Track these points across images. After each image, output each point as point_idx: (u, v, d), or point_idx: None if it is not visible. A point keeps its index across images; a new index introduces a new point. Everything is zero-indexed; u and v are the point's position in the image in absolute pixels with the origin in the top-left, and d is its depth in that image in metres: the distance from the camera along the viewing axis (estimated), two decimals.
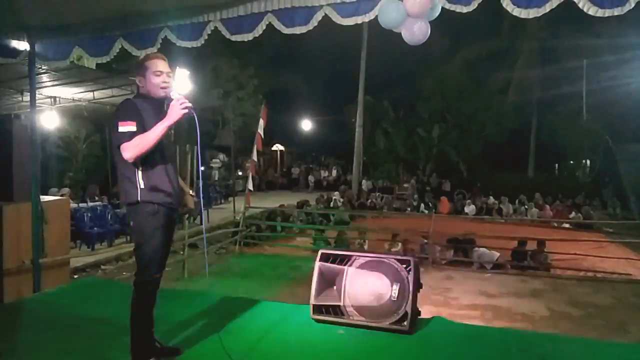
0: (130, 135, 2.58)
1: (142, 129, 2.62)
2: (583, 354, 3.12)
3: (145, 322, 2.75)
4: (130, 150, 2.58)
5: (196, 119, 2.74)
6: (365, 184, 22.40)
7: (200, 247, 10.16)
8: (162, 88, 2.76)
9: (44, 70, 7.11)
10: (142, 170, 2.68)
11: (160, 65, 2.78)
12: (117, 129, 2.59)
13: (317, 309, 3.48)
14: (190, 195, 3.00)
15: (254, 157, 11.48)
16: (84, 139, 15.67)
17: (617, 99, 17.77)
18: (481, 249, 9.68)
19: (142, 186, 2.67)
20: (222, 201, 17.95)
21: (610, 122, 18.81)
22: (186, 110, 2.67)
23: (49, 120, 11.21)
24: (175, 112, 2.65)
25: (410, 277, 3.33)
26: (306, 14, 3.64)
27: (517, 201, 17.87)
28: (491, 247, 9.72)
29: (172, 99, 2.72)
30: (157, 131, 2.63)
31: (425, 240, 9.82)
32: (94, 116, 12.39)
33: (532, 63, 21.61)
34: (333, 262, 3.57)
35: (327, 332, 3.36)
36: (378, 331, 3.29)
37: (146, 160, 2.67)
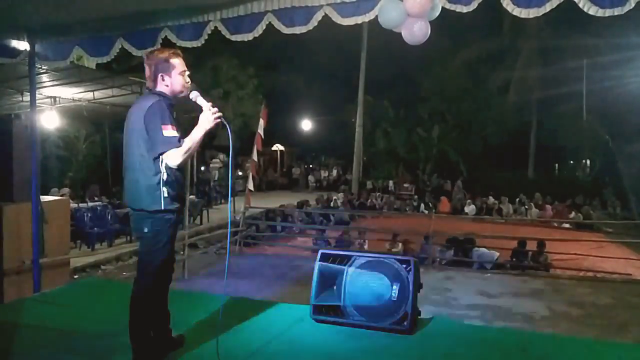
0: (177, 141, 2.53)
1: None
2: (583, 354, 3.12)
3: (147, 324, 2.72)
4: (179, 158, 2.54)
5: (229, 128, 2.68)
6: (391, 184, 22.40)
7: (200, 247, 10.18)
8: (186, 88, 2.72)
9: (44, 70, 7.09)
10: (165, 178, 2.58)
11: (183, 63, 2.73)
12: (162, 132, 2.51)
13: (317, 309, 3.48)
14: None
15: (254, 157, 11.47)
16: (84, 139, 15.68)
17: (617, 99, 17.76)
18: (481, 249, 9.68)
19: (165, 194, 2.58)
20: (222, 201, 17.97)
21: (610, 122, 18.80)
22: (219, 120, 2.64)
23: (49, 120, 11.20)
24: (209, 121, 2.61)
25: (410, 277, 3.33)
26: (306, 14, 3.64)
27: (517, 201, 17.89)
28: (491, 247, 9.72)
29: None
30: (198, 139, 2.60)
31: (425, 241, 9.83)
32: (94, 116, 12.37)
33: (532, 63, 21.59)
34: (333, 262, 3.57)
35: (327, 332, 3.36)
36: (378, 331, 3.29)
37: (169, 167, 2.58)
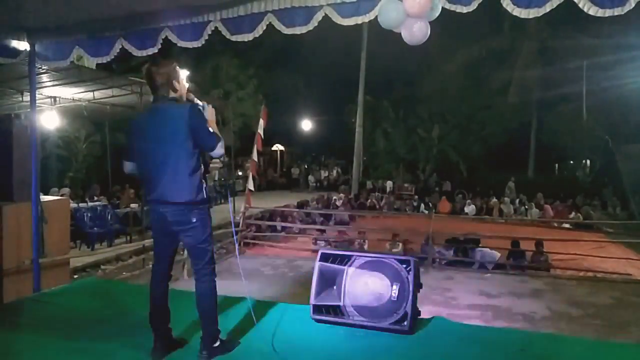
0: (219, 136, 2.88)
1: None
2: (583, 354, 3.12)
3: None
4: (223, 148, 2.90)
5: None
6: (389, 185, 22.30)
7: None
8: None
9: (44, 70, 7.10)
10: (203, 171, 2.90)
11: None
12: (208, 130, 2.84)
13: (317, 309, 3.48)
14: None
15: (254, 157, 11.47)
16: (84, 139, 15.66)
17: (617, 99, 17.76)
18: (484, 249, 9.68)
19: (205, 185, 2.90)
20: (222, 201, 17.94)
21: (610, 122, 18.81)
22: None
23: (49, 120, 11.21)
24: (214, 114, 2.98)
25: (410, 277, 3.33)
26: (306, 14, 3.64)
27: (517, 201, 17.89)
28: (491, 247, 9.71)
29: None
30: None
31: (425, 241, 9.82)
32: (94, 116, 12.38)
33: (532, 63, 21.58)
34: (333, 262, 3.56)
35: (327, 332, 3.36)
36: (378, 331, 3.29)
37: (203, 161, 2.90)
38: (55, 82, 8.49)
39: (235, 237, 3.84)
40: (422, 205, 18.35)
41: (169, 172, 2.80)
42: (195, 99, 3.02)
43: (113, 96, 9.71)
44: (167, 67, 2.91)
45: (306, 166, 28.34)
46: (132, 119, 3.11)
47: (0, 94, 9.42)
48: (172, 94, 2.91)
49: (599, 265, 9.42)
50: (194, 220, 2.84)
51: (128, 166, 3.00)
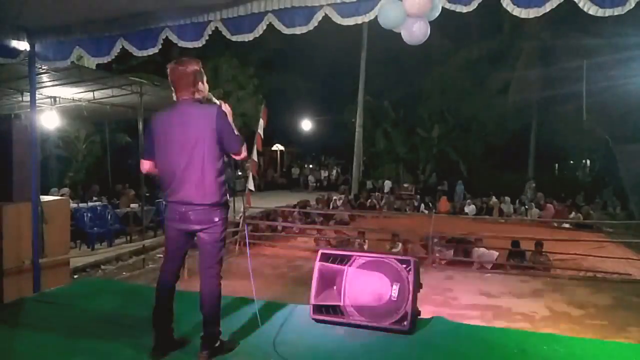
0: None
1: None
2: (583, 354, 3.12)
3: None
4: (246, 152, 2.95)
5: None
6: (387, 186, 22.21)
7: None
8: None
9: (44, 70, 7.09)
10: (225, 173, 2.93)
11: None
12: (234, 131, 2.84)
13: (317, 309, 3.48)
14: None
15: (254, 157, 11.46)
16: (84, 139, 15.66)
17: (617, 99, 17.74)
18: (481, 249, 9.68)
19: (226, 186, 2.92)
20: None
21: (610, 122, 18.79)
22: None
23: (49, 120, 11.19)
24: (230, 115, 2.92)
25: (410, 277, 3.33)
26: (306, 14, 3.64)
27: (517, 201, 17.89)
28: (491, 247, 9.72)
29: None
30: None
31: (426, 241, 9.82)
32: (94, 116, 12.36)
33: (532, 63, 21.57)
34: (333, 262, 3.57)
35: (327, 332, 3.36)
36: (378, 331, 3.29)
37: (224, 164, 2.92)
38: (55, 82, 8.48)
39: (246, 235, 3.90)
40: (422, 205, 18.35)
41: (196, 174, 2.79)
42: (214, 98, 3.00)
43: (113, 96, 9.69)
44: (195, 66, 2.90)
45: (306, 166, 28.34)
46: (154, 118, 3.00)
47: (0, 94, 9.41)
48: (196, 95, 2.89)
49: (599, 265, 9.42)
50: (216, 219, 2.87)
51: (146, 165, 2.97)
